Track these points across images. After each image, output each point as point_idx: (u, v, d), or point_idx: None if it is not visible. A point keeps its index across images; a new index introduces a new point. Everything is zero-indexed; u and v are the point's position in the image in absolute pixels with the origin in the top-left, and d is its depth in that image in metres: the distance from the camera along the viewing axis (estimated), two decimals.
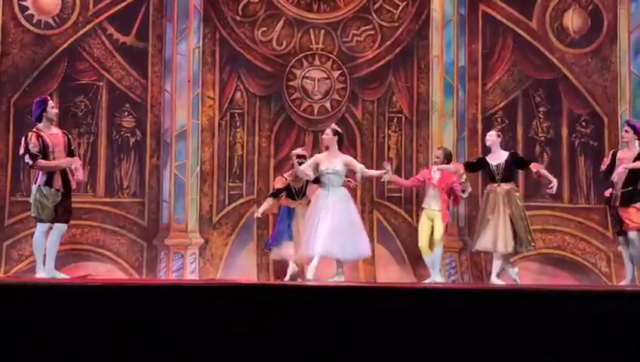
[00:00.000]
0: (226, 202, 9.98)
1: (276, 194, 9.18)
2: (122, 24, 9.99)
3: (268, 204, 9.15)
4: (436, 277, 8.97)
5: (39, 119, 7.90)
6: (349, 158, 8.68)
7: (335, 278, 8.36)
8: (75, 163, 7.94)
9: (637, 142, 8.52)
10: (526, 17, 10.56)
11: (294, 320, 4.55)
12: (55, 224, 7.88)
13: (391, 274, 9.74)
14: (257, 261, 9.75)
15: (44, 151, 7.79)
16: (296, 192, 9.10)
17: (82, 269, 9.55)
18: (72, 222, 9.59)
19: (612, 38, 10.55)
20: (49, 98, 8.16)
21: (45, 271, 7.83)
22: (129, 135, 9.95)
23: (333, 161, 8.44)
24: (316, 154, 8.71)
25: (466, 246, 9.75)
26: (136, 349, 4.44)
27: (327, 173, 8.38)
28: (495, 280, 8.81)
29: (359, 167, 8.63)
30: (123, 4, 9.99)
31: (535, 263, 10.11)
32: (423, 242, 9.03)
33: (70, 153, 8.01)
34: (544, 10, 10.59)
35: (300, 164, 8.57)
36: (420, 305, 4.67)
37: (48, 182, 7.79)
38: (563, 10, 10.62)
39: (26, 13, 9.85)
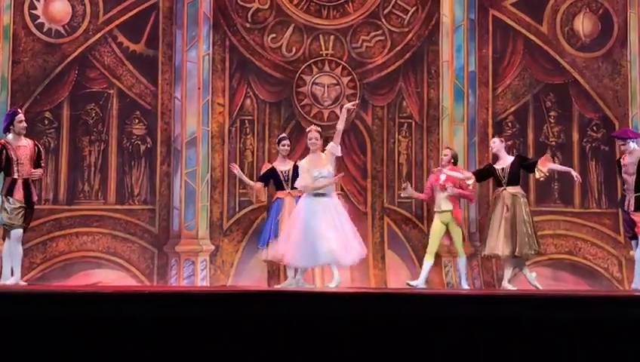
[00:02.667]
0: (237, 209, 9.98)
1: (261, 178, 9.02)
2: (132, 32, 10.02)
3: (255, 185, 8.99)
4: (464, 286, 9.03)
5: (7, 131, 8.01)
6: (327, 148, 8.07)
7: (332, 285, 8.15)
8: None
9: (635, 145, 8.53)
10: (536, 22, 10.54)
11: (306, 326, 4.54)
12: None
13: (402, 280, 9.72)
14: (268, 267, 9.73)
15: (8, 164, 7.92)
16: (285, 179, 8.86)
17: (93, 276, 9.57)
18: (83, 229, 9.70)
19: (623, 42, 10.53)
20: (19, 111, 8.27)
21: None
22: (139, 142, 9.97)
23: (321, 164, 7.99)
24: (300, 161, 8.33)
25: (477, 252, 9.73)
26: (148, 356, 4.44)
27: (320, 177, 7.91)
28: (506, 286, 8.80)
29: (335, 146, 8.03)
30: (133, 12, 10.02)
31: (547, 268, 10.08)
32: (431, 246, 9.07)
33: (38, 164, 8.10)
34: (554, 15, 10.57)
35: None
36: (430, 311, 4.66)
37: (9, 193, 7.93)
38: (573, 14, 10.60)
39: (36, 22, 9.89)
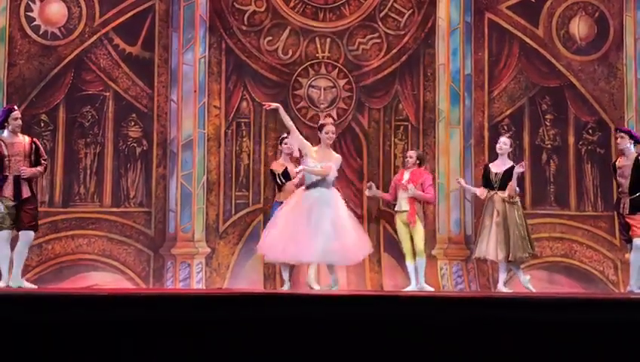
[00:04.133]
0: (233, 211, 9.98)
1: (285, 177, 8.83)
2: (128, 34, 10.02)
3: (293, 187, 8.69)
4: (424, 286, 8.94)
5: (2, 128, 7.93)
6: (340, 159, 8.10)
7: (334, 287, 8.13)
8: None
9: (631, 146, 8.53)
10: (532, 25, 10.56)
11: (302, 329, 4.54)
12: (21, 232, 7.89)
13: (398, 282, 9.72)
14: (264, 270, 9.73)
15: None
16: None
17: (89, 279, 9.56)
18: (78, 231, 9.69)
19: (618, 45, 10.55)
20: (15, 108, 8.16)
21: (12, 281, 7.83)
22: (135, 145, 9.97)
23: (328, 159, 7.89)
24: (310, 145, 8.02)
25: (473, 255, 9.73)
26: (143, 359, 4.44)
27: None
28: (502, 289, 8.79)
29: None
30: (129, 15, 10.02)
31: (542, 271, 10.09)
32: (405, 247, 9.07)
33: (37, 161, 8.01)
34: (550, 18, 10.59)
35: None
36: (426, 314, 4.67)
37: None
38: (569, 17, 10.62)
39: (32, 24, 9.88)
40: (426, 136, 10.27)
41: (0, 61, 9.70)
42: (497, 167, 8.91)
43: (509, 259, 8.66)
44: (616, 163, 8.64)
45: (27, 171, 7.92)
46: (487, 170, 9.00)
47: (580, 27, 10.61)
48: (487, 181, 8.96)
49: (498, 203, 8.74)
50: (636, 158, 8.43)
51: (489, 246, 8.68)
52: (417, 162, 9.16)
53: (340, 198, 8.01)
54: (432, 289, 9.01)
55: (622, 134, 8.61)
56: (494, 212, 8.72)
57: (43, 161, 8.17)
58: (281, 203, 8.64)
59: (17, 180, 7.89)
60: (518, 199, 8.80)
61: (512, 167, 8.85)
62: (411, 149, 9.62)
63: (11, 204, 7.86)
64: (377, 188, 9.58)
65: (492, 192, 8.82)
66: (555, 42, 10.56)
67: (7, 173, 7.91)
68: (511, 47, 10.51)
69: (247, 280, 9.74)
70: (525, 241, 8.66)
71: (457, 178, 9.42)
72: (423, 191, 9.01)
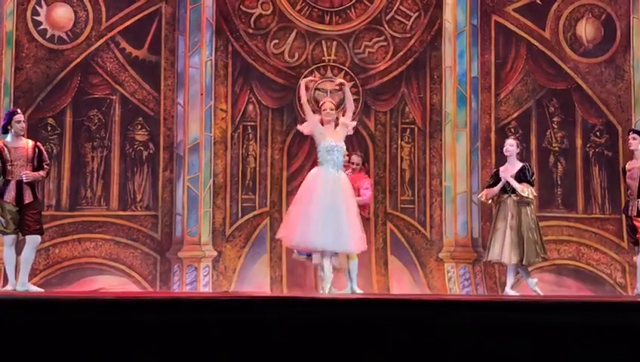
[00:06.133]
0: (239, 215, 9.98)
1: None
2: (135, 38, 10.04)
3: None
4: (355, 290, 8.76)
5: (5, 131, 7.90)
6: (342, 121, 7.74)
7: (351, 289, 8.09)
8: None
9: None
10: (539, 27, 10.54)
11: (308, 332, 4.53)
12: (27, 236, 7.86)
13: (404, 285, 9.71)
14: (271, 273, 9.73)
15: (2, 164, 7.81)
16: None
17: (95, 283, 9.57)
18: (85, 235, 9.70)
19: (625, 47, 10.53)
20: (18, 111, 8.06)
21: (19, 285, 7.81)
22: (142, 148, 9.98)
23: (335, 136, 7.57)
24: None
25: (480, 258, 9.71)
26: None
27: (336, 148, 7.46)
28: (509, 292, 8.77)
29: (350, 122, 7.75)
30: (135, 18, 10.04)
31: (550, 274, 10.07)
32: None
33: (39, 166, 7.96)
34: (557, 20, 10.58)
35: None
36: (433, 317, 4.66)
37: (1, 195, 7.79)
38: (576, 19, 10.60)
39: (39, 28, 9.91)
40: (433, 139, 10.26)
41: (7, 65, 9.73)
42: (508, 171, 8.85)
43: (523, 263, 8.63)
44: (626, 165, 8.62)
45: (29, 175, 7.89)
46: (497, 175, 8.93)
47: (586, 29, 10.59)
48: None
49: (512, 206, 8.68)
50: None
51: (504, 250, 8.63)
52: (364, 167, 9.05)
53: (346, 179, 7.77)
54: (361, 291, 8.80)
55: (634, 135, 8.60)
56: (508, 215, 8.67)
57: (45, 166, 8.09)
58: None
59: (20, 185, 7.86)
60: (531, 196, 8.69)
61: (523, 168, 8.79)
62: (353, 154, 9.02)
63: (14, 208, 7.85)
64: (384, 191, 9.57)
65: (505, 195, 8.75)
66: (562, 44, 10.55)
67: (10, 178, 7.87)
68: (518, 50, 10.50)
69: (254, 284, 9.74)
70: (538, 245, 8.64)
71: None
72: (359, 195, 8.73)
